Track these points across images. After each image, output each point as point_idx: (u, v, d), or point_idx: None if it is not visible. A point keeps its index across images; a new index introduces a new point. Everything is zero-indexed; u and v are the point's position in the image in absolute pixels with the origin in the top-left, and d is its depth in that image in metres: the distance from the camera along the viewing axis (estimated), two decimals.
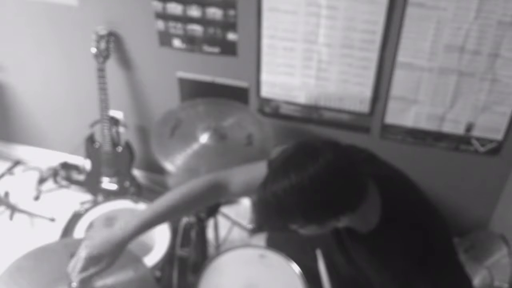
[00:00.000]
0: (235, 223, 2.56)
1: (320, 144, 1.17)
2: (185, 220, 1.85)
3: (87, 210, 2.04)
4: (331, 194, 1.13)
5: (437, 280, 1.25)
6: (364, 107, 2.19)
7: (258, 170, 1.37)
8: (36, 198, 2.84)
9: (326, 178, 1.12)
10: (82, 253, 1.29)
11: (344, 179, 1.14)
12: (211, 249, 2.20)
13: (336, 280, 1.63)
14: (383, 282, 1.33)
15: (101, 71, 2.33)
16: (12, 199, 2.75)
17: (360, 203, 1.18)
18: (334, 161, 1.13)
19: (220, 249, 2.31)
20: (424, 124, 2.15)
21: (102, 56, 2.30)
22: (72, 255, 1.35)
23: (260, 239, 1.89)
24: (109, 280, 1.42)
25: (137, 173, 2.81)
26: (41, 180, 2.93)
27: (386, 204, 1.26)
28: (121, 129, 2.60)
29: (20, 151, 3.07)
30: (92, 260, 1.29)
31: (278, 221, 1.21)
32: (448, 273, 1.28)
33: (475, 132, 2.11)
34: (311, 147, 1.17)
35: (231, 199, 1.45)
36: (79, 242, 1.38)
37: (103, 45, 2.29)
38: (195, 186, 1.43)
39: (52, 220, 2.69)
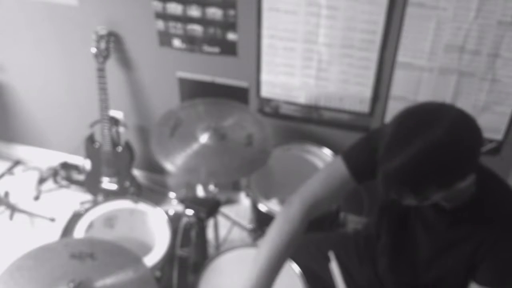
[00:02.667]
0: (235, 223, 2.56)
1: (432, 107, 1.16)
2: (185, 220, 1.85)
3: (87, 210, 2.04)
4: (465, 149, 1.11)
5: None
6: (364, 107, 2.19)
7: (334, 168, 1.36)
8: (36, 198, 2.84)
9: (458, 133, 1.10)
10: None
11: (471, 133, 1.13)
12: (211, 249, 2.20)
13: (350, 282, 1.63)
14: (456, 260, 1.32)
15: (101, 71, 2.33)
16: (12, 199, 2.75)
17: (478, 161, 1.17)
18: (460, 118, 1.13)
19: (220, 249, 2.31)
20: None
21: (102, 56, 2.30)
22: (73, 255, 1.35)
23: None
24: (109, 280, 1.42)
25: (137, 173, 2.81)
26: (41, 180, 2.93)
27: (480, 176, 1.24)
28: (121, 129, 2.60)
29: (20, 151, 3.07)
30: None
31: (410, 193, 1.16)
32: None
33: None
34: (424, 112, 1.15)
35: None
36: (79, 242, 1.38)
37: (103, 45, 2.29)
38: (291, 228, 1.38)
39: (52, 220, 2.69)
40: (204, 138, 1.99)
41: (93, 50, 2.29)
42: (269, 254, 1.36)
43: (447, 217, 1.33)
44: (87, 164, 2.69)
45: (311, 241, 1.83)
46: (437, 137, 1.08)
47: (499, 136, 2.09)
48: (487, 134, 2.10)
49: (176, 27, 2.22)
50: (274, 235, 1.39)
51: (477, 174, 1.23)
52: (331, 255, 1.66)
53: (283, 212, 1.42)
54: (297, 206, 1.41)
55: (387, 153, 1.14)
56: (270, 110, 2.34)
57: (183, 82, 2.40)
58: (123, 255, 1.44)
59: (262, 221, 2.12)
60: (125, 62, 2.43)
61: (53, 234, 2.49)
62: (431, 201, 1.20)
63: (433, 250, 1.41)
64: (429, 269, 1.44)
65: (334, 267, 1.64)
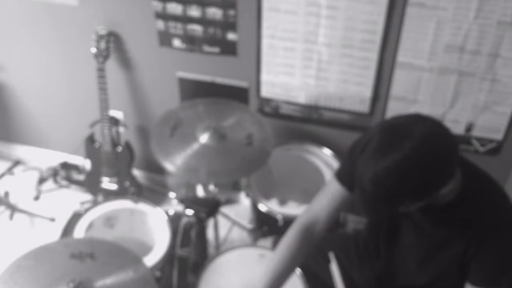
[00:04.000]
0: (235, 223, 2.56)
1: (402, 120, 1.16)
2: (185, 220, 1.85)
3: (87, 210, 2.04)
4: (439, 161, 1.11)
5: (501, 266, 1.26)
6: (364, 107, 2.19)
7: (329, 186, 1.43)
8: (36, 198, 2.84)
9: (428, 148, 1.10)
10: None
11: (445, 143, 1.14)
12: (211, 249, 2.20)
13: (350, 283, 1.63)
14: (442, 259, 1.34)
15: (101, 71, 2.33)
16: (12, 199, 2.75)
17: (457, 168, 1.17)
18: (429, 129, 1.13)
19: (220, 249, 2.31)
20: None
21: (102, 56, 2.30)
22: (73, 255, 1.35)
23: (266, 242, 1.90)
24: (109, 280, 1.42)
25: (137, 173, 2.81)
26: (41, 180, 2.93)
27: (466, 175, 1.26)
28: (121, 129, 2.60)
29: (20, 151, 3.07)
30: None
31: (387, 207, 1.19)
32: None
33: (475, 132, 2.11)
34: (395, 127, 1.15)
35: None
36: (79, 242, 1.38)
37: (103, 45, 2.29)
38: (290, 245, 1.48)
39: (52, 220, 2.69)
40: (204, 138, 1.99)
41: (93, 50, 2.29)
42: (274, 264, 1.47)
43: (434, 217, 1.34)
44: (87, 164, 2.69)
45: (322, 245, 1.83)
46: (406, 154, 1.09)
47: (499, 136, 2.09)
48: (487, 134, 2.10)
49: (176, 27, 2.22)
50: (280, 247, 1.49)
51: (463, 172, 1.24)
52: (331, 256, 1.66)
53: (289, 232, 1.51)
54: (296, 227, 1.50)
55: (360, 172, 1.16)
56: (270, 110, 2.34)
57: (183, 82, 2.40)
58: (123, 255, 1.44)
59: (262, 221, 2.12)
60: (125, 62, 2.43)
61: (53, 234, 2.49)
62: (415, 209, 1.21)
63: (424, 251, 1.41)
64: (422, 271, 1.45)
65: (334, 268, 1.64)
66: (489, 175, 1.34)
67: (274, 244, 1.92)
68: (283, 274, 1.47)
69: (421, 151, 1.09)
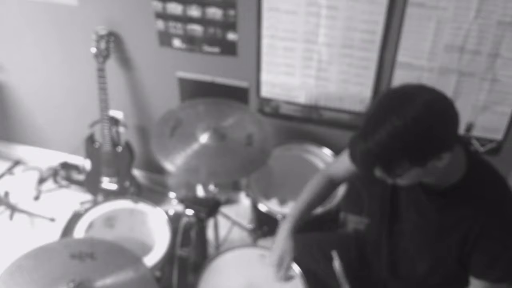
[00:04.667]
0: (235, 223, 2.56)
1: (409, 88, 1.21)
2: (185, 220, 1.85)
3: (87, 210, 2.04)
4: (437, 127, 1.16)
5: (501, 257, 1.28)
6: (364, 107, 2.19)
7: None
8: (36, 198, 2.84)
9: (428, 114, 1.14)
10: (273, 261, 1.66)
11: (444, 112, 1.18)
12: (211, 249, 2.20)
13: (353, 282, 1.65)
14: (443, 245, 1.36)
15: (101, 71, 2.33)
16: (12, 199, 2.76)
17: (456, 141, 1.22)
18: (432, 97, 1.17)
19: (220, 249, 2.31)
20: None
21: (102, 56, 2.30)
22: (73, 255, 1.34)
23: (269, 243, 1.89)
24: (109, 280, 1.42)
25: (137, 173, 2.81)
26: (41, 180, 2.93)
27: (471, 157, 1.31)
28: (121, 129, 2.60)
29: (20, 151, 3.07)
30: (281, 259, 1.65)
31: (382, 168, 1.22)
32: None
33: (475, 132, 2.11)
34: (401, 92, 1.21)
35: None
36: (79, 242, 1.38)
37: (103, 45, 2.29)
38: (315, 186, 1.72)
39: (52, 220, 2.69)
40: (204, 138, 1.99)
41: (93, 50, 2.29)
42: (305, 195, 1.71)
43: (437, 201, 1.36)
44: (87, 164, 2.70)
45: (312, 242, 1.84)
46: (407, 117, 1.14)
47: (499, 136, 2.09)
48: (487, 134, 2.10)
49: (176, 27, 2.22)
50: (307, 188, 1.73)
51: (468, 158, 1.29)
52: (334, 254, 1.67)
53: (313, 179, 1.75)
54: (320, 175, 1.74)
55: (360, 132, 1.22)
56: (270, 110, 2.34)
57: (183, 82, 2.40)
58: (123, 255, 1.44)
59: (262, 221, 2.12)
60: (125, 62, 2.43)
61: (53, 234, 2.49)
62: (411, 177, 1.25)
63: (424, 237, 1.44)
64: (422, 258, 1.47)
65: (337, 266, 1.65)
66: (496, 168, 1.36)
67: None
68: (309, 208, 1.71)
69: (423, 115, 1.14)
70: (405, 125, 1.13)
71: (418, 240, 1.47)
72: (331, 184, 1.73)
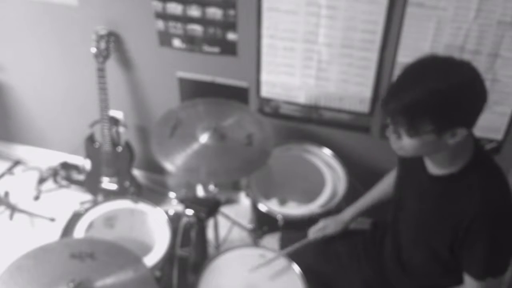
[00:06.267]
0: (235, 223, 2.56)
1: (452, 59, 1.25)
2: (185, 220, 1.85)
3: (87, 210, 2.04)
4: (472, 98, 1.22)
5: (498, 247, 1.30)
6: (364, 107, 2.19)
7: None
8: (36, 198, 2.84)
9: (471, 84, 1.21)
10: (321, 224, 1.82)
11: (481, 88, 1.23)
12: (211, 249, 2.20)
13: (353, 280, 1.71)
14: (441, 230, 1.38)
15: (101, 71, 2.33)
16: (12, 199, 2.76)
17: (475, 121, 1.26)
18: (475, 71, 1.23)
19: (220, 249, 2.31)
20: None
21: (102, 56, 2.30)
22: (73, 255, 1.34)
23: (271, 241, 1.90)
24: (109, 280, 1.42)
25: (137, 173, 2.81)
26: (41, 180, 2.93)
27: (477, 149, 1.35)
28: (121, 129, 2.60)
29: (20, 151, 3.07)
30: (325, 226, 1.83)
31: (405, 119, 1.24)
32: (507, 244, 1.32)
33: (475, 132, 2.10)
34: (445, 58, 1.26)
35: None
36: (79, 242, 1.38)
37: (103, 45, 2.29)
38: (384, 186, 1.81)
39: (52, 220, 2.69)
40: (204, 138, 1.99)
41: (93, 50, 2.29)
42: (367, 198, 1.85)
43: (438, 186, 1.39)
44: (87, 164, 2.69)
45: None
46: (443, 82, 1.19)
47: (499, 136, 2.09)
48: (487, 134, 2.10)
49: (176, 27, 2.22)
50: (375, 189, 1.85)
51: (476, 149, 1.34)
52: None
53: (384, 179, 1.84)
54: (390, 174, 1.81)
55: (396, 84, 1.26)
56: (270, 110, 2.34)
57: (183, 82, 2.40)
58: (123, 255, 1.44)
59: (262, 221, 2.12)
60: (125, 62, 2.43)
61: (53, 234, 2.49)
62: (422, 143, 1.26)
63: (421, 225, 1.46)
64: (417, 247, 1.50)
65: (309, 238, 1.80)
66: (498, 164, 1.38)
67: (282, 242, 1.93)
68: (375, 203, 1.83)
69: (468, 82, 1.21)
70: (450, 84, 1.18)
71: (416, 228, 1.50)
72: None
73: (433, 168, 1.39)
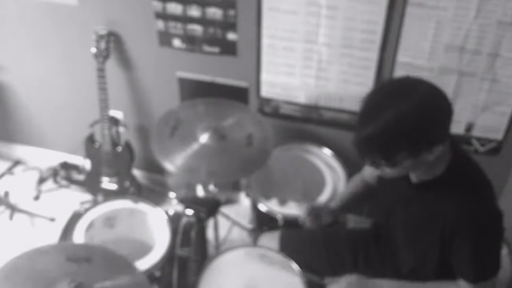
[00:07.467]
0: (235, 223, 2.56)
1: (410, 78, 1.27)
2: (185, 220, 1.85)
3: (87, 210, 2.04)
4: (439, 117, 1.22)
5: (481, 247, 1.31)
6: None
7: None
8: (36, 198, 2.84)
9: (433, 102, 1.21)
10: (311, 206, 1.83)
11: (445, 104, 1.23)
12: (211, 249, 2.20)
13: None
14: (426, 234, 1.40)
15: (101, 71, 2.33)
16: (12, 199, 2.76)
17: (448, 135, 1.27)
18: (434, 88, 1.23)
19: (220, 249, 2.31)
20: None
21: (102, 56, 2.30)
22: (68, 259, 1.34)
23: (271, 240, 1.90)
24: (108, 283, 1.42)
25: (137, 173, 2.81)
26: (41, 180, 2.93)
27: (455, 151, 1.35)
28: (121, 129, 2.60)
29: (20, 151, 3.07)
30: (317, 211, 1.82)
31: (379, 155, 1.26)
32: (492, 246, 1.33)
33: (475, 132, 2.11)
34: (405, 80, 1.27)
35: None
36: (75, 246, 1.37)
37: (103, 45, 2.29)
38: (355, 181, 1.84)
39: (52, 220, 2.69)
40: (204, 138, 1.99)
41: (93, 50, 2.29)
42: (346, 190, 1.89)
43: (419, 194, 1.41)
44: (87, 164, 2.70)
45: (311, 239, 1.84)
46: (406, 109, 1.18)
47: (499, 136, 2.09)
48: (487, 134, 2.10)
49: (176, 27, 2.21)
50: (349, 183, 1.90)
51: (455, 152, 1.34)
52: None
53: (353, 178, 1.89)
54: (358, 176, 1.85)
55: (361, 121, 1.26)
56: (270, 110, 2.34)
57: (183, 82, 2.40)
58: (119, 260, 1.43)
59: (262, 221, 2.12)
60: (125, 62, 2.43)
61: (53, 234, 2.49)
62: (402, 168, 1.29)
63: (410, 230, 1.48)
64: (409, 250, 1.51)
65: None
66: (478, 166, 1.39)
67: (282, 242, 1.93)
68: (351, 197, 1.85)
69: (429, 102, 1.20)
70: (413, 109, 1.18)
71: (405, 234, 1.52)
72: (365, 183, 1.80)
73: (415, 177, 1.42)
